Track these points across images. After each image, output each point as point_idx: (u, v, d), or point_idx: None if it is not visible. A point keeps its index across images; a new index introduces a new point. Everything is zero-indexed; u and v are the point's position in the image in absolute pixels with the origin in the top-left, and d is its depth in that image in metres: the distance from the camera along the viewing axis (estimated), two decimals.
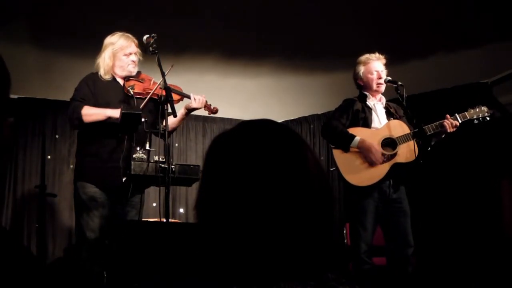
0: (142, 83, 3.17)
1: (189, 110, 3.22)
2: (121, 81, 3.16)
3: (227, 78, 5.67)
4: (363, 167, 3.17)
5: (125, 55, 3.12)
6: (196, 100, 3.18)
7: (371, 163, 3.15)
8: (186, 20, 4.61)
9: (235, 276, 0.79)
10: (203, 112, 5.93)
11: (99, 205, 2.98)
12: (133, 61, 3.14)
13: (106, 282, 2.92)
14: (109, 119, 2.97)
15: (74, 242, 4.61)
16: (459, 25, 4.59)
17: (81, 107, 2.97)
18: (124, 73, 3.15)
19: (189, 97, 3.21)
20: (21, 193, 5.10)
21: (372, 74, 3.34)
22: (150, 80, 3.20)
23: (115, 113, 2.96)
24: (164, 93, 2.90)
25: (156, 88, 3.05)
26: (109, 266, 2.95)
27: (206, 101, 3.26)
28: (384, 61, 3.39)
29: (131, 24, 3.32)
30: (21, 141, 5.16)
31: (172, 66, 2.99)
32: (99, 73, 3.12)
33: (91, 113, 2.98)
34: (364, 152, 3.16)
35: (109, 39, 3.13)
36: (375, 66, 3.35)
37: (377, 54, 3.39)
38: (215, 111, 3.32)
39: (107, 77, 3.11)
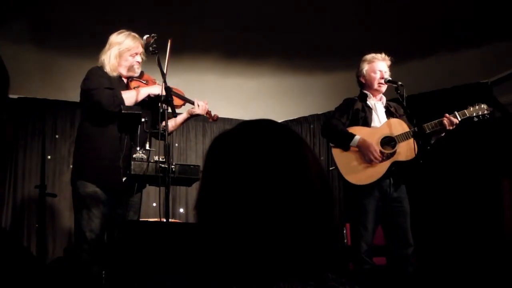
0: (146, 84, 3.18)
1: (191, 115, 3.28)
2: (124, 81, 3.17)
3: (227, 78, 5.67)
4: (362, 165, 3.18)
5: (131, 55, 3.10)
6: (200, 107, 3.23)
7: (370, 162, 3.16)
8: (186, 20, 4.62)
9: (235, 276, 0.79)
10: None
11: (99, 204, 2.97)
12: (138, 62, 3.13)
13: (105, 282, 2.92)
14: (149, 97, 3.03)
15: (74, 242, 4.62)
16: (459, 25, 4.59)
17: (119, 92, 2.96)
18: (129, 73, 3.15)
19: (192, 103, 3.25)
20: (21, 193, 5.10)
21: (375, 73, 3.35)
22: (154, 83, 3.21)
23: (151, 89, 3.03)
24: (164, 93, 2.90)
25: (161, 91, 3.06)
26: (108, 266, 2.95)
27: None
28: (389, 62, 3.41)
29: (131, 24, 3.31)
30: (21, 141, 5.16)
31: (170, 40, 2.99)
32: (105, 70, 3.09)
33: (131, 96, 3.00)
34: (363, 151, 3.17)
35: (115, 38, 3.10)
36: (379, 66, 3.37)
37: (383, 55, 3.40)
38: (215, 118, 3.39)
39: (113, 74, 3.10)
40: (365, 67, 3.40)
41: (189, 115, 3.28)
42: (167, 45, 2.99)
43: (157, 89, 3.05)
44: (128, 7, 4.38)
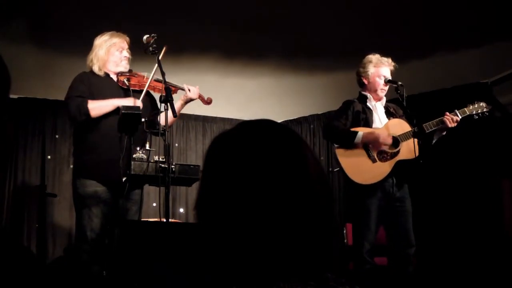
0: (136, 77, 3.21)
1: (186, 101, 3.25)
2: (114, 77, 3.19)
3: (227, 78, 5.67)
4: (367, 165, 3.17)
5: (118, 50, 3.17)
6: (191, 91, 3.22)
7: (381, 148, 3.14)
8: (186, 20, 4.62)
9: (235, 276, 0.79)
10: (203, 112, 5.89)
11: (100, 203, 2.97)
12: (125, 56, 3.19)
13: (105, 282, 2.92)
14: (112, 114, 2.99)
15: (74, 242, 4.62)
16: (459, 25, 4.59)
17: (86, 102, 2.98)
18: (118, 69, 3.17)
19: (183, 88, 3.24)
20: (21, 193, 5.10)
21: (380, 78, 3.31)
22: (143, 76, 3.23)
23: (123, 101, 2.98)
24: (164, 91, 2.89)
25: (151, 80, 3.07)
26: (109, 266, 2.95)
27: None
28: (393, 68, 3.36)
29: (131, 24, 3.32)
30: (21, 141, 5.16)
31: (165, 48, 2.99)
32: (93, 69, 3.14)
33: (98, 106, 2.98)
34: (371, 142, 3.15)
35: (100, 38, 3.18)
36: (384, 71, 3.32)
37: (389, 60, 3.34)
38: (209, 101, 3.38)
39: (101, 73, 3.14)
40: (371, 69, 3.33)
41: (183, 102, 3.25)
42: (162, 50, 2.99)
43: (129, 102, 2.99)
44: (128, 7, 4.39)
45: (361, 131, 3.18)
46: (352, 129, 3.22)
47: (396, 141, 3.22)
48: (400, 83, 3.21)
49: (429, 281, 4.05)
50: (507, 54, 4.74)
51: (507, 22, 4.46)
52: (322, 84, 5.75)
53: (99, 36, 3.19)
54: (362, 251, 3.11)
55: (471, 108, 3.28)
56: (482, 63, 4.91)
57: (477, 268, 4.03)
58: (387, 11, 4.46)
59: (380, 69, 3.32)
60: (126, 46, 3.21)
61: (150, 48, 2.98)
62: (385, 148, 3.17)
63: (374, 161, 3.18)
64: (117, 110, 2.98)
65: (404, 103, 3.20)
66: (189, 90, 3.22)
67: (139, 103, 3.00)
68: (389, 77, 3.34)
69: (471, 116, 3.27)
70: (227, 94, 5.63)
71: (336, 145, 3.30)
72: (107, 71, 3.16)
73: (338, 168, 3.28)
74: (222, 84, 5.60)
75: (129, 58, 3.22)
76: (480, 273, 3.95)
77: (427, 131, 3.19)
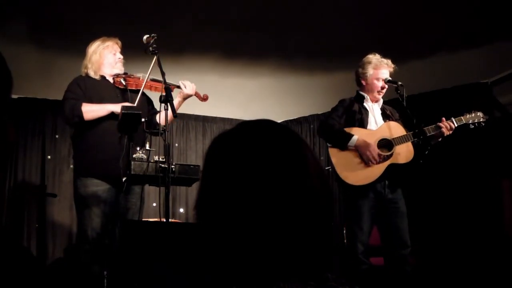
0: (132, 78, 3.22)
1: (183, 98, 3.26)
2: (110, 79, 3.21)
3: (227, 78, 5.67)
4: (359, 166, 3.17)
5: (112, 53, 3.21)
6: (187, 86, 3.23)
7: (368, 162, 3.15)
8: (186, 20, 4.62)
9: (235, 276, 0.79)
10: (203, 112, 5.88)
11: (101, 203, 2.97)
12: (120, 58, 3.23)
13: (106, 282, 2.92)
14: (111, 114, 3.00)
15: (74, 242, 4.61)
16: (459, 25, 4.59)
17: (80, 105, 3.00)
18: (114, 71, 3.21)
19: (178, 86, 3.25)
20: (21, 193, 5.10)
21: (378, 81, 3.30)
22: (139, 77, 3.24)
23: (117, 107, 2.98)
24: (162, 90, 2.89)
25: (147, 79, 3.08)
26: (109, 266, 2.95)
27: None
28: (392, 70, 3.34)
29: (131, 24, 3.33)
30: (21, 141, 5.16)
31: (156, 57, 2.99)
32: (88, 74, 3.17)
33: (92, 109, 3.01)
34: (361, 151, 3.15)
35: (92, 44, 3.21)
36: (383, 74, 3.30)
37: (389, 62, 3.32)
38: (205, 98, 3.38)
39: (97, 76, 3.18)
40: (370, 71, 3.32)
41: (181, 99, 3.26)
42: (153, 60, 2.99)
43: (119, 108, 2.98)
44: (128, 8, 4.38)
45: (357, 135, 3.17)
46: (347, 129, 3.22)
47: (390, 144, 3.21)
48: (400, 83, 3.21)
49: (429, 281, 4.05)
50: (507, 54, 4.74)
51: (506, 23, 4.46)
52: (322, 84, 5.75)
53: (90, 44, 3.23)
54: (356, 252, 3.11)
55: (467, 117, 3.29)
56: (482, 63, 4.91)
57: (477, 268, 4.03)
58: (387, 11, 4.46)
59: (379, 71, 3.31)
60: (119, 49, 3.24)
61: (150, 48, 2.98)
62: (372, 161, 3.16)
63: (366, 162, 3.17)
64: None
65: (404, 103, 3.20)
66: (185, 86, 3.23)
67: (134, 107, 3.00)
68: (388, 78, 3.33)
69: (467, 125, 3.28)
70: (227, 94, 5.63)
71: (329, 144, 3.29)
72: (102, 74, 3.19)
73: (329, 167, 3.28)
74: (222, 84, 5.60)
75: (122, 60, 3.25)
76: (480, 273, 3.95)
77: (428, 135, 3.19)
